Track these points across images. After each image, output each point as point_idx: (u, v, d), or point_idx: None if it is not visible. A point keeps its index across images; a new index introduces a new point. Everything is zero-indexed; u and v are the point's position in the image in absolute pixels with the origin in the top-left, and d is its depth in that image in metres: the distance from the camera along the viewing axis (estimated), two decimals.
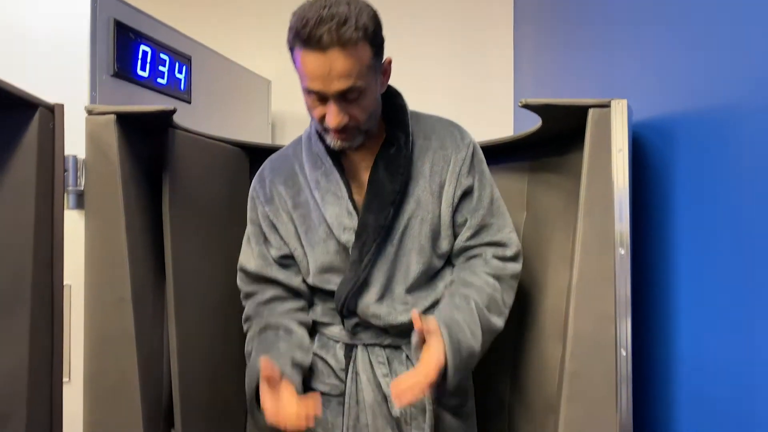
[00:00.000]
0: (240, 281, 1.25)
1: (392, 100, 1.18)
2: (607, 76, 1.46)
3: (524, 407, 1.38)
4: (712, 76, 0.95)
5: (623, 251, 1.03)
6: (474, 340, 1.07)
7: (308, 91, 1.02)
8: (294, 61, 1.03)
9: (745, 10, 0.86)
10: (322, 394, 1.20)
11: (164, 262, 1.21)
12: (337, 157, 1.15)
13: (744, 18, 0.86)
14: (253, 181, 1.25)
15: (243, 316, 1.23)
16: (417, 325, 1.02)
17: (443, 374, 1.03)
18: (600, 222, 1.05)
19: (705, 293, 0.96)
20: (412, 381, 0.98)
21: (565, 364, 1.05)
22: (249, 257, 1.23)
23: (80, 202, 1.15)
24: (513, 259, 1.20)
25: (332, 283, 1.17)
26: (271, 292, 1.21)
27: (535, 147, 1.43)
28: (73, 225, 1.13)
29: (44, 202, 1.05)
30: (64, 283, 1.10)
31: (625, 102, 1.04)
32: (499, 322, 1.14)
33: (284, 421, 1.00)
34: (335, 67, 0.97)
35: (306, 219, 1.17)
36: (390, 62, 1.10)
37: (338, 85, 0.98)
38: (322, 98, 1.02)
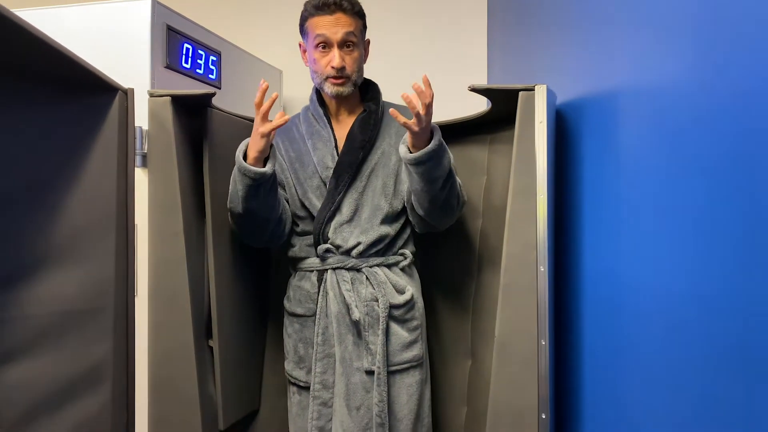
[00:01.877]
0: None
1: (370, 84, 1.62)
2: (554, 63, 1.82)
3: (479, 321, 1.75)
4: (608, 67, 1.32)
5: (542, 196, 1.41)
6: (449, 154, 1.46)
7: (317, 44, 1.47)
8: (306, 35, 1.51)
9: (634, 20, 1.23)
10: (301, 315, 1.60)
11: (205, 208, 1.58)
12: (329, 120, 1.56)
13: (632, 25, 1.24)
14: None
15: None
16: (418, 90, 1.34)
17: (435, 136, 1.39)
18: (526, 176, 1.42)
19: (601, 220, 1.33)
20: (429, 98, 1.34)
21: (500, 278, 1.43)
22: None
23: (144, 162, 1.52)
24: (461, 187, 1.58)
25: (312, 207, 1.56)
26: None
27: (493, 124, 1.80)
28: (139, 179, 1.50)
29: (121, 160, 1.43)
30: (135, 222, 1.48)
31: (544, 87, 1.41)
32: (457, 183, 1.51)
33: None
34: (339, 22, 1.45)
35: (298, 160, 1.58)
36: (369, 43, 1.58)
37: (341, 33, 1.46)
38: (327, 47, 1.47)
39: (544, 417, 1.39)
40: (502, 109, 1.60)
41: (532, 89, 1.42)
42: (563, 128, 1.55)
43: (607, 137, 1.27)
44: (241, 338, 1.71)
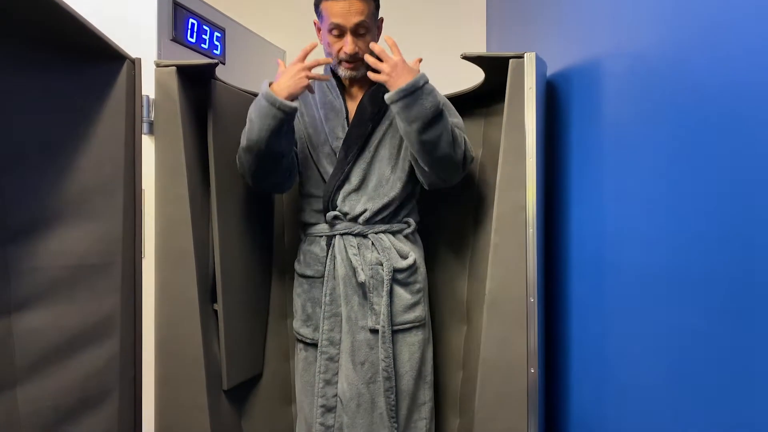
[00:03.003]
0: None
1: None
2: (547, 35, 1.87)
3: (474, 288, 1.81)
4: (595, 37, 1.37)
5: (532, 160, 1.46)
6: (440, 96, 1.47)
7: (331, 30, 1.53)
8: (321, 17, 1.56)
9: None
10: (310, 277, 1.67)
11: (209, 174, 1.64)
12: (342, 92, 1.63)
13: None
14: None
15: (238, 157, 1.60)
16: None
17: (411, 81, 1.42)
18: (515, 140, 1.47)
19: (587, 182, 1.38)
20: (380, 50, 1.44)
21: (490, 238, 1.49)
22: None
23: (151, 129, 1.58)
24: (466, 140, 1.59)
25: (325, 173, 1.63)
26: None
27: (489, 98, 1.85)
28: (146, 145, 1.57)
29: (129, 127, 1.50)
30: (141, 187, 1.55)
31: (533, 54, 1.46)
32: (453, 127, 1.51)
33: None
34: (352, 7, 1.50)
35: (312, 126, 1.65)
36: (382, 20, 1.64)
37: (354, 20, 1.51)
38: (341, 34, 1.52)
39: (533, 371, 1.44)
40: (496, 82, 1.65)
41: (522, 57, 1.47)
42: (554, 97, 1.60)
43: (594, 104, 1.32)
44: (245, 302, 1.77)
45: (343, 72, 1.59)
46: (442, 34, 2.96)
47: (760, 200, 0.71)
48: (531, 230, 1.45)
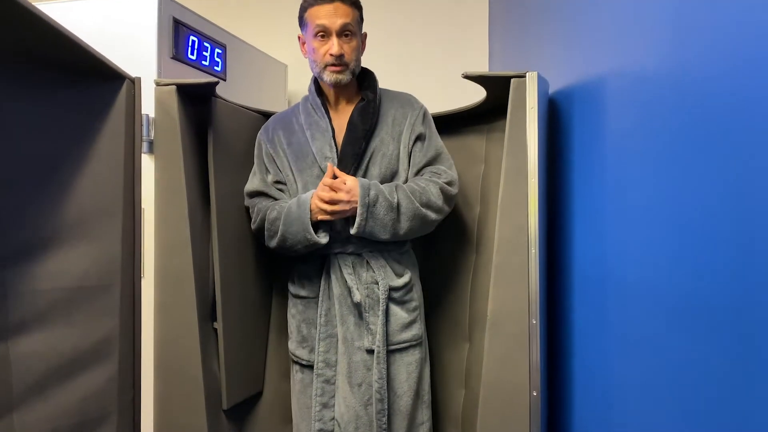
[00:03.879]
0: (246, 201, 1.70)
1: (367, 73, 1.67)
2: (550, 53, 1.86)
3: (476, 306, 1.79)
4: (598, 57, 1.36)
5: (534, 180, 1.45)
6: (388, 195, 1.52)
7: (316, 33, 1.53)
8: (305, 26, 1.56)
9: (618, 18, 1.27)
10: (305, 297, 1.66)
11: (209, 193, 1.63)
12: (326, 110, 1.61)
13: (620, 20, 1.28)
14: (261, 129, 1.74)
15: (256, 223, 1.66)
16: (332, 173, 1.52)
17: (360, 204, 1.49)
18: (517, 160, 1.46)
19: (590, 203, 1.37)
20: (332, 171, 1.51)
21: (492, 258, 1.47)
22: (252, 183, 1.69)
23: (151, 148, 1.58)
24: (448, 183, 1.62)
25: None
26: (269, 202, 1.66)
27: (491, 113, 1.84)
28: (145, 165, 1.56)
29: (128, 146, 1.49)
30: (141, 206, 1.54)
31: (535, 73, 1.45)
32: (414, 200, 1.55)
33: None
34: (338, 10, 1.51)
35: (297, 152, 1.63)
36: (366, 35, 1.64)
37: (340, 21, 1.51)
38: (326, 36, 1.52)
39: (535, 394, 1.43)
40: (498, 99, 1.64)
41: (524, 76, 1.46)
42: (556, 116, 1.59)
43: (597, 122, 1.31)
44: (245, 321, 1.76)
45: (328, 77, 1.56)
46: (444, 49, 2.95)
47: None
48: (533, 250, 1.44)
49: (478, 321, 1.76)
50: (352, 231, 1.51)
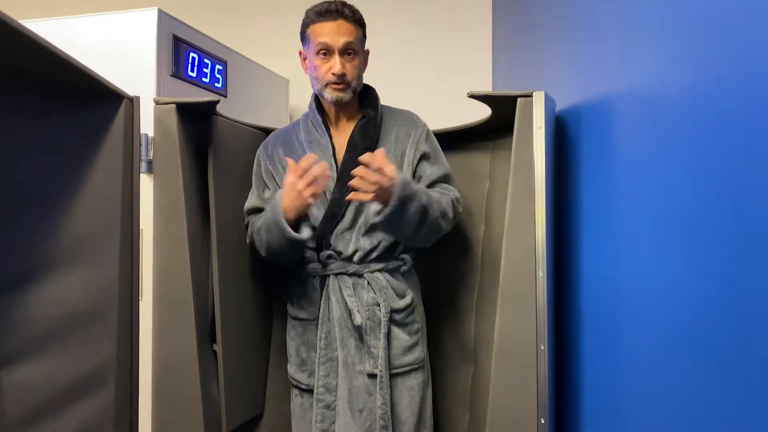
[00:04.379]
0: (246, 219, 1.67)
1: (368, 90, 1.64)
2: (556, 70, 1.83)
3: (481, 327, 1.76)
4: (605, 74, 1.33)
5: (541, 201, 1.42)
6: (422, 194, 1.46)
7: (318, 51, 1.50)
8: (307, 42, 1.53)
9: (626, 36, 1.24)
10: (304, 319, 1.61)
11: (209, 214, 1.61)
12: (327, 127, 1.58)
13: (628, 39, 1.25)
14: (260, 146, 1.70)
15: (249, 237, 1.63)
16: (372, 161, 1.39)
17: (395, 195, 1.41)
18: (524, 181, 1.43)
19: (599, 225, 1.34)
20: (379, 164, 1.37)
21: (500, 283, 1.44)
22: (250, 200, 1.66)
23: (150, 168, 1.55)
24: (457, 200, 1.60)
25: (311, 217, 1.57)
26: None
27: (495, 131, 1.81)
28: (144, 185, 1.53)
29: (127, 167, 1.46)
30: (140, 227, 1.51)
31: (542, 93, 1.42)
32: (437, 210, 1.50)
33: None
34: (341, 28, 1.47)
35: None
36: (368, 52, 1.60)
37: (342, 40, 1.48)
38: (328, 54, 1.49)
39: (543, 422, 1.39)
40: (504, 116, 1.61)
41: (530, 95, 1.43)
42: (562, 134, 1.56)
43: (605, 143, 1.28)
44: (245, 343, 1.73)
45: (329, 95, 1.53)
46: (446, 64, 2.93)
47: None
48: (541, 273, 1.40)
49: (483, 343, 1.73)
50: (376, 218, 1.44)
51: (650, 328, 1.05)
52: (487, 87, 2.85)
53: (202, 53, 1.83)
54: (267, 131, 1.88)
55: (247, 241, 1.66)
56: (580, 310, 1.42)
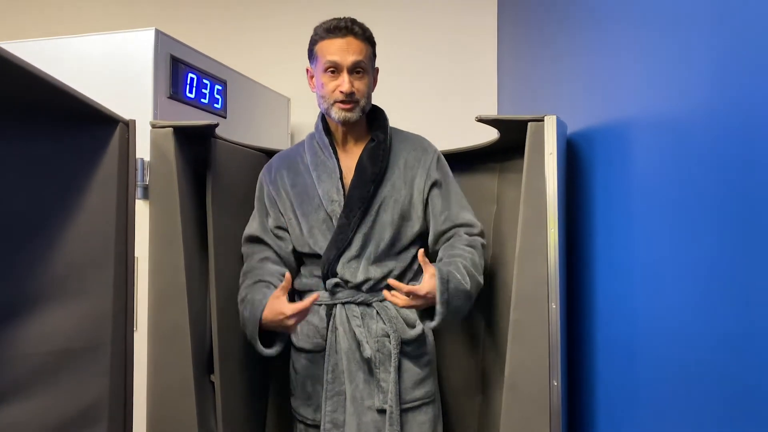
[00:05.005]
0: (243, 246, 1.60)
1: (377, 111, 1.58)
2: (565, 92, 1.78)
3: (489, 356, 1.70)
4: (619, 96, 1.28)
5: (553, 230, 1.36)
6: (463, 282, 1.42)
7: (326, 69, 1.44)
8: (315, 59, 1.48)
9: (638, 60, 1.19)
10: (309, 351, 1.54)
11: (207, 240, 1.55)
12: (334, 149, 1.51)
13: (638, 64, 1.20)
14: (263, 169, 1.63)
15: (241, 272, 1.57)
16: (421, 259, 1.40)
17: (439, 301, 1.38)
18: (536, 209, 1.37)
19: (614, 255, 1.28)
20: (407, 289, 1.35)
21: (510, 314, 1.38)
22: (251, 227, 1.59)
23: (145, 194, 1.49)
24: (479, 235, 1.54)
25: (317, 245, 1.51)
26: (265, 253, 1.56)
27: (503, 153, 1.76)
28: (140, 211, 1.48)
29: (121, 192, 1.41)
30: (135, 255, 1.45)
31: (554, 117, 1.37)
32: (479, 277, 1.48)
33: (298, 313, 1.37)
34: (350, 46, 1.42)
35: (302, 194, 1.53)
36: (378, 71, 1.55)
37: (351, 58, 1.42)
38: (336, 72, 1.44)
39: None
40: (512, 138, 1.56)
41: (542, 120, 1.38)
42: (574, 158, 1.51)
43: (620, 168, 1.23)
44: (244, 373, 1.66)
45: (337, 114, 1.47)
46: (452, 82, 2.89)
47: None
48: (553, 305, 1.34)
49: (492, 374, 1.67)
50: (432, 325, 1.42)
51: (671, 364, 0.99)
52: (492, 102, 2.80)
53: (201, 73, 1.78)
54: (268, 153, 1.84)
55: (240, 280, 1.59)
56: (594, 345, 1.36)
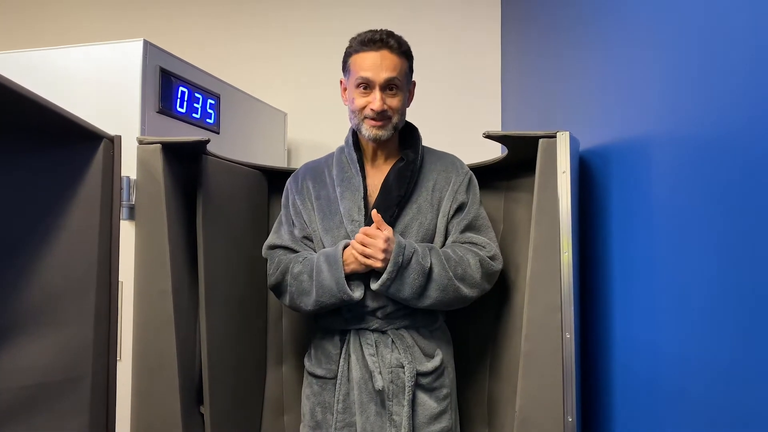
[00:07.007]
0: (265, 254, 1.51)
1: (410, 128, 1.50)
2: (572, 106, 1.71)
3: (496, 387, 1.60)
4: (633, 116, 1.20)
5: (567, 254, 1.27)
6: (423, 259, 1.33)
7: (358, 84, 1.36)
8: (348, 73, 1.41)
9: (649, 77, 1.12)
10: (321, 377, 1.45)
11: (197, 263, 1.46)
12: (362, 165, 1.44)
13: (653, 80, 1.12)
14: (290, 177, 1.56)
15: (275, 276, 1.46)
16: (375, 217, 1.31)
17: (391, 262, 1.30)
18: (548, 230, 1.29)
19: (632, 280, 1.19)
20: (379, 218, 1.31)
21: (521, 345, 1.29)
22: (280, 236, 1.50)
23: (131, 214, 1.41)
24: (491, 258, 1.43)
25: None
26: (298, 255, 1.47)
27: (510, 170, 1.67)
28: (125, 233, 1.39)
29: (105, 213, 1.32)
30: (119, 280, 1.36)
31: (567, 133, 1.29)
32: (457, 282, 1.37)
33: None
34: (384, 61, 1.34)
35: (325, 208, 1.45)
36: (415, 85, 1.47)
37: (384, 75, 1.34)
38: (368, 88, 1.36)
39: None
40: (520, 155, 1.48)
41: (554, 136, 1.30)
42: (586, 176, 1.42)
43: (637, 187, 1.14)
44: (235, 402, 1.57)
45: (367, 131, 1.39)
46: (455, 101, 2.82)
47: None
48: (568, 336, 1.25)
49: (499, 405, 1.57)
50: (374, 286, 1.33)
51: (699, 402, 0.91)
52: (496, 120, 2.73)
53: (192, 87, 1.69)
54: (263, 170, 1.76)
55: (269, 280, 1.49)
56: (611, 378, 1.27)
